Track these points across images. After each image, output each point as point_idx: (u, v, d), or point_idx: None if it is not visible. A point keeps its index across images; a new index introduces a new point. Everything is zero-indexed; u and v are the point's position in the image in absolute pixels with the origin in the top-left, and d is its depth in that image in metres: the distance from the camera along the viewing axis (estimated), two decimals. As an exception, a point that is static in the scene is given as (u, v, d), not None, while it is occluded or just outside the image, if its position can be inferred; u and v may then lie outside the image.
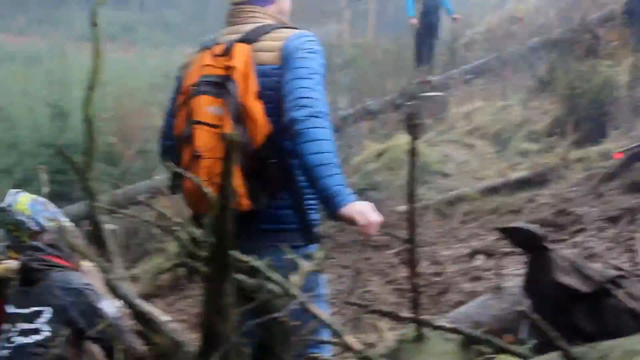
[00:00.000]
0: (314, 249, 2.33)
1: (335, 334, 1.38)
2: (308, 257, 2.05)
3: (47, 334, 2.48)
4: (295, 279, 1.70)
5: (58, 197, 9.63)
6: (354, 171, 7.56)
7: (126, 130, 11.41)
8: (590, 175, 5.46)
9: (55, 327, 2.49)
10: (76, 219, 8.28)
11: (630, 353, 1.52)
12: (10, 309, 2.60)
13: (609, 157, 5.65)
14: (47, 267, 2.74)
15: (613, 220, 4.49)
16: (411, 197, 1.57)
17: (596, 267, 1.90)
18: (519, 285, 2.31)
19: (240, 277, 1.64)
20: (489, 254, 4.83)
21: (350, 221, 2.24)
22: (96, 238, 1.77)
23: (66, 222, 3.96)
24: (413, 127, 1.48)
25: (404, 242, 1.58)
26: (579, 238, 4.35)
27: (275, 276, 1.65)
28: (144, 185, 8.67)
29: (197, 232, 1.77)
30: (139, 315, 1.57)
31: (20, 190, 4.35)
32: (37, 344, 2.47)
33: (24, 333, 2.51)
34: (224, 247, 1.47)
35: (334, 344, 1.66)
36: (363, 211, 2.23)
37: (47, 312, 2.54)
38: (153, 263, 6.40)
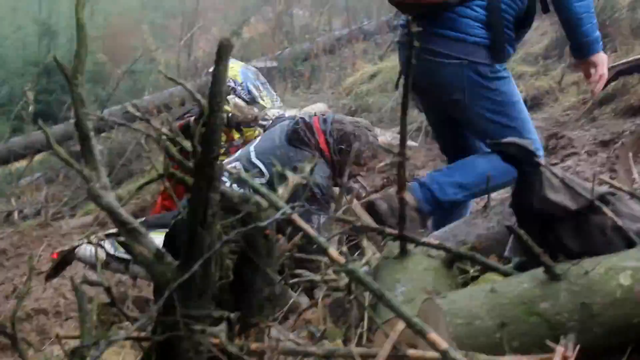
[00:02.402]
0: (499, 73, 2.86)
1: (320, 248, 1.36)
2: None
3: None
4: (281, 191, 1.67)
5: (44, 117, 9.57)
6: (347, 92, 7.48)
7: (115, 49, 11.23)
8: (585, 99, 5.41)
9: None
10: (63, 139, 8.24)
11: (614, 269, 1.52)
12: None
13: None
14: None
15: (605, 144, 4.48)
16: (404, 113, 1.53)
17: (586, 184, 1.87)
18: (506, 205, 2.30)
19: (226, 188, 1.62)
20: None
21: (589, 68, 2.83)
22: (83, 148, 1.72)
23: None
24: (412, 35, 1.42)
25: (395, 155, 1.54)
26: (569, 162, 4.34)
27: (262, 188, 1.62)
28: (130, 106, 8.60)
29: (185, 142, 1.75)
30: (122, 225, 1.54)
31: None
32: None
33: None
34: (211, 156, 1.44)
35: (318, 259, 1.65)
36: (603, 65, 2.83)
37: None
38: (138, 184, 6.40)
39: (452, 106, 3.01)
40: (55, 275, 4.14)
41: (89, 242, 3.88)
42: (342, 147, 3.24)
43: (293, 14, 11.03)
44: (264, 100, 4.26)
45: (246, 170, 3.24)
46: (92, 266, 3.91)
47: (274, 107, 4.36)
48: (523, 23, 2.96)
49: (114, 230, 4.07)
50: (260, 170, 3.28)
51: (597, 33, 2.85)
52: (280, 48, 9.90)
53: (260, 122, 4.22)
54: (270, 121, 4.07)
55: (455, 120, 3.17)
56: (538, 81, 6.29)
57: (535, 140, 2.94)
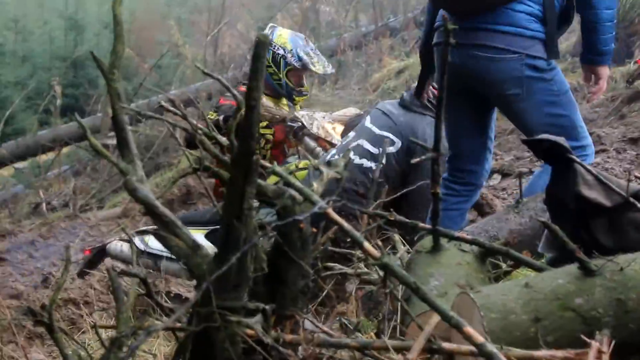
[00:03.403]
0: (552, 64, 2.91)
1: (355, 241, 1.37)
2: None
3: None
4: (316, 185, 1.68)
5: (71, 111, 9.69)
6: (374, 88, 7.48)
7: (141, 43, 11.32)
8: (614, 96, 5.35)
9: None
10: (91, 133, 8.36)
11: (650, 266, 1.51)
12: None
13: (634, 77, 5.53)
14: None
15: (634, 141, 4.44)
16: (439, 105, 1.53)
17: (621, 182, 1.86)
18: (538, 201, 2.30)
19: (262, 182, 1.64)
20: (505, 173, 4.81)
21: (590, 75, 2.91)
22: (119, 141, 1.75)
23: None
24: (447, 32, 1.42)
25: (430, 150, 1.55)
26: (598, 159, 4.31)
27: (297, 183, 1.64)
28: (156, 101, 8.67)
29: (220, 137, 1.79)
30: (158, 218, 1.57)
31: (275, 25, 4.39)
32: None
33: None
34: (248, 150, 1.46)
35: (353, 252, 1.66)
36: (605, 79, 2.89)
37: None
38: (165, 176, 6.46)
39: (507, 101, 3.02)
40: (87, 272, 4.29)
41: (120, 239, 3.99)
42: None
43: (319, 10, 11.03)
44: (315, 67, 4.28)
45: (374, 144, 3.44)
46: (123, 262, 4.01)
47: (327, 72, 4.39)
48: (566, 19, 2.96)
49: (143, 228, 4.16)
50: (391, 139, 3.42)
51: (613, 46, 2.88)
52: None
53: (289, 123, 4.25)
54: (299, 122, 4.15)
55: (483, 122, 3.20)
56: (567, 78, 6.22)
57: (583, 129, 3.04)
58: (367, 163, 3.51)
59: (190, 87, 9.08)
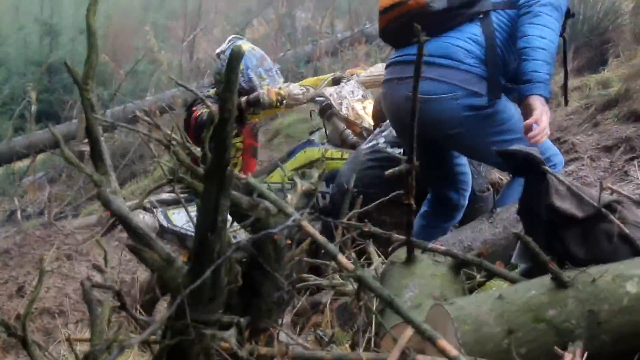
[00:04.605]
0: (497, 104, 2.70)
1: (329, 254, 1.38)
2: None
3: None
4: (290, 197, 1.68)
5: (45, 117, 9.58)
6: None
7: (117, 49, 11.25)
8: (588, 104, 5.41)
9: None
10: (65, 140, 8.25)
11: (620, 277, 1.53)
12: None
13: (608, 85, 5.59)
14: None
15: (608, 149, 4.49)
16: (413, 114, 1.54)
17: (593, 192, 1.88)
18: (512, 212, 2.32)
19: (236, 194, 1.63)
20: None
21: (526, 110, 2.54)
22: (93, 152, 1.74)
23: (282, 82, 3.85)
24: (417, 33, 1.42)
25: (404, 162, 1.56)
26: (572, 167, 4.35)
27: (271, 195, 1.64)
28: (133, 107, 8.61)
29: (194, 148, 1.78)
30: (132, 230, 1.56)
31: (241, 37, 4.10)
32: None
33: None
34: (222, 162, 1.45)
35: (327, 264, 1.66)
36: (542, 115, 2.47)
37: None
38: (140, 185, 6.41)
39: (453, 140, 2.87)
40: (107, 233, 4.04)
41: (144, 209, 3.70)
42: None
43: (295, 16, 11.05)
44: (263, 89, 4.02)
45: (392, 145, 3.36)
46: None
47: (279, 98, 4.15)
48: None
49: (165, 196, 3.91)
50: None
51: (547, 77, 2.59)
52: (283, 50, 9.92)
53: (317, 98, 4.02)
54: (326, 100, 4.00)
55: (445, 155, 3.03)
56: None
57: (543, 142, 2.72)
58: (397, 150, 3.36)
59: (165, 93, 9.05)
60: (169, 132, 1.80)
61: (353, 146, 3.93)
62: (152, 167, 7.12)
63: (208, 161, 1.49)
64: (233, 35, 4.26)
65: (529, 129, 2.48)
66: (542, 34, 2.57)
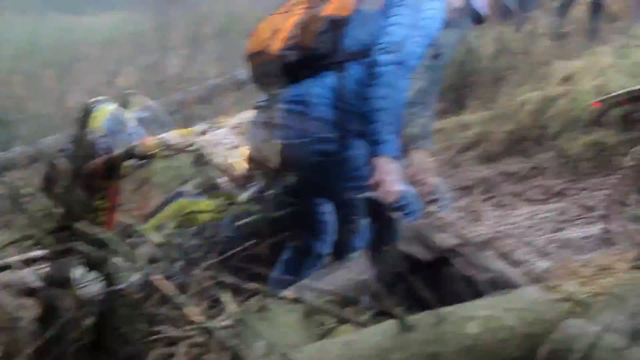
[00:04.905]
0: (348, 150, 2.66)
1: (177, 306, 1.38)
2: None
3: None
4: (142, 251, 1.67)
5: None
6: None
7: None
8: (449, 146, 5.65)
9: None
10: None
11: (465, 319, 1.60)
12: None
13: (467, 127, 5.86)
14: None
15: (466, 189, 4.70)
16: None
17: (440, 236, 1.97)
18: (366, 256, 2.37)
19: (88, 248, 1.60)
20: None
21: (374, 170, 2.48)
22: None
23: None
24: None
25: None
26: (432, 208, 4.51)
27: (122, 248, 1.62)
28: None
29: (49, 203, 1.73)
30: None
31: (107, 98, 3.67)
32: None
33: None
34: (72, 217, 1.44)
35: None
36: (386, 174, 2.43)
37: None
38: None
39: (309, 185, 2.82)
40: None
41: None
42: None
43: (166, 63, 10.92)
44: (137, 142, 3.88)
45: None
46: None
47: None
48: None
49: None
50: None
51: (390, 136, 2.56)
52: (153, 98, 9.71)
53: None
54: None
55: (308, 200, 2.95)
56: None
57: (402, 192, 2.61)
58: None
59: (37, 142, 8.66)
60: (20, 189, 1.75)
61: (229, 194, 3.88)
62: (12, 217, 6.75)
63: (57, 217, 1.46)
64: (97, 98, 4.03)
65: (375, 187, 2.47)
66: (384, 94, 2.61)
